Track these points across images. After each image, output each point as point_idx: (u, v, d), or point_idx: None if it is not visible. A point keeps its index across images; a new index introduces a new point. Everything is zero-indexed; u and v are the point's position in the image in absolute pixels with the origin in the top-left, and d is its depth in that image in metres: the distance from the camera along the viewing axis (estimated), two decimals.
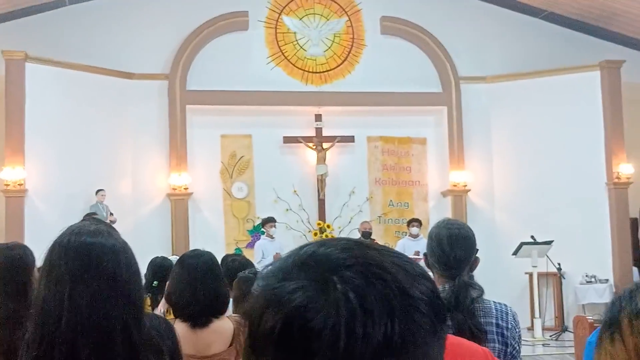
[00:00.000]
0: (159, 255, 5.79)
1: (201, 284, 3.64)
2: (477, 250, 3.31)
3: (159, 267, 5.56)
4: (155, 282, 5.42)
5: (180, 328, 3.70)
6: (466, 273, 3.20)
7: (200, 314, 3.65)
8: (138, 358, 1.89)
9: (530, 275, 13.68)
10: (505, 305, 3.25)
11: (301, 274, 0.88)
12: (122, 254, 1.94)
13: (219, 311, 3.72)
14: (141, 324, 1.94)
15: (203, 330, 3.69)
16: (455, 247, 3.16)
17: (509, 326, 3.14)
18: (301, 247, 0.94)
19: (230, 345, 3.76)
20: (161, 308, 4.94)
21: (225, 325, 3.77)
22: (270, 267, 0.94)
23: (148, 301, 5.38)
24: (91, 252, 1.90)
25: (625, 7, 14.83)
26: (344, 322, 0.83)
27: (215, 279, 3.73)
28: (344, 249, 0.91)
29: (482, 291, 3.17)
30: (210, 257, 3.81)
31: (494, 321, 3.12)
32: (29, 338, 1.90)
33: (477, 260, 3.30)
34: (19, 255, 3.49)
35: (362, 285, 0.85)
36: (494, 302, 3.21)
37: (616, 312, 1.23)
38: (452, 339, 2.47)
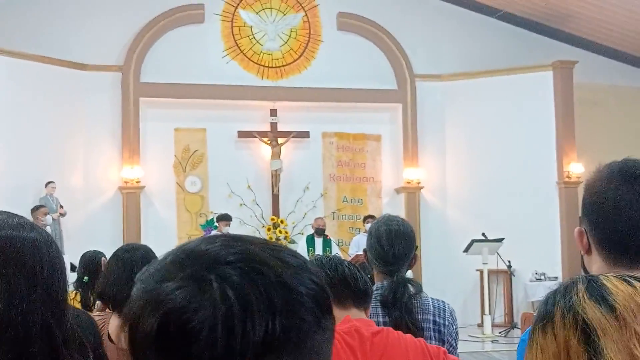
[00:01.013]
0: (90, 250, 5.65)
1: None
2: (417, 247, 3.31)
3: (89, 261, 5.42)
4: (85, 278, 5.30)
5: (117, 321, 3.66)
6: (404, 269, 3.20)
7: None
8: (59, 356, 1.84)
9: (481, 272, 13.79)
10: (444, 302, 3.27)
11: (179, 273, 0.85)
12: (44, 248, 1.88)
13: None
14: (63, 320, 1.89)
15: None
16: (394, 243, 3.16)
17: (446, 323, 3.16)
18: (182, 245, 0.92)
19: None
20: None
21: None
22: (149, 268, 0.91)
23: (78, 297, 5.28)
24: (12, 246, 1.84)
25: (579, 8, 15.05)
26: (221, 321, 0.80)
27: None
28: (224, 246, 0.88)
29: (420, 288, 3.18)
30: (146, 250, 3.75)
31: (431, 318, 3.14)
32: None
33: (415, 257, 3.29)
34: None
35: (241, 282, 0.83)
36: (432, 298, 3.22)
37: (551, 306, 1.27)
38: (391, 332, 2.48)
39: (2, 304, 1.80)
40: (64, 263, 1.97)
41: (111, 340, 3.70)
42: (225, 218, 13.31)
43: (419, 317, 3.09)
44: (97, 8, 14.37)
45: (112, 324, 3.68)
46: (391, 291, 3.06)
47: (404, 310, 3.03)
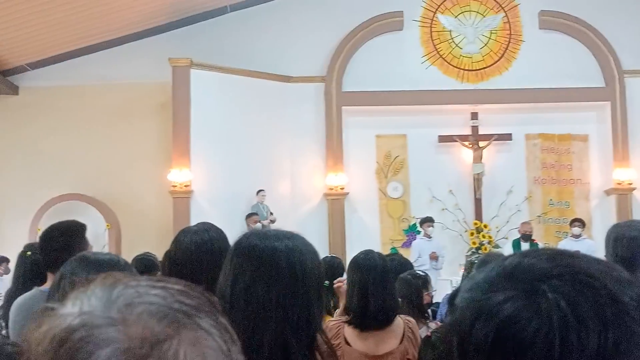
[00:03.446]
0: (329, 254, 5.85)
1: (372, 293, 3.71)
2: None
3: (328, 266, 5.62)
4: (326, 282, 5.48)
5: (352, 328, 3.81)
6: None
7: (368, 326, 3.73)
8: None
9: None
10: None
11: (508, 285, 0.89)
12: (301, 256, 2.02)
13: (388, 322, 3.76)
14: (318, 325, 2.02)
15: (375, 330, 3.76)
16: (633, 247, 3.04)
17: None
18: (504, 259, 0.95)
19: (401, 342, 3.80)
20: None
21: (395, 323, 3.82)
22: (473, 280, 0.95)
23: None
24: (277, 255, 1.99)
25: None
26: (557, 331, 0.83)
27: (386, 288, 3.77)
28: (548, 259, 0.91)
29: None
30: (382, 262, 3.84)
31: None
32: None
33: None
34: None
35: (573, 294, 0.85)
36: None
37: None
38: None
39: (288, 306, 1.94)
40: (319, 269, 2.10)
41: (348, 344, 3.85)
42: (428, 220, 13.32)
43: None
44: (301, 23, 14.90)
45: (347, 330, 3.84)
46: None
47: None
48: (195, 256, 2.87)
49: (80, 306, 0.77)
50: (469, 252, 13.77)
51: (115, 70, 14.45)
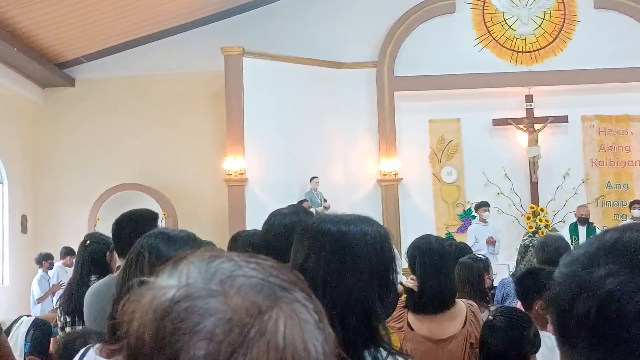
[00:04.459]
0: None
1: (430, 276, 3.70)
2: None
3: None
4: None
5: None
6: None
7: (425, 309, 3.72)
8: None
9: None
10: None
11: (610, 259, 0.88)
12: (377, 241, 2.03)
13: (447, 305, 3.75)
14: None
15: (437, 314, 3.75)
16: None
17: None
18: (604, 233, 0.94)
19: (463, 327, 3.79)
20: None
21: (458, 307, 3.81)
22: (571, 254, 0.94)
23: None
24: (350, 239, 1.99)
25: None
26: None
27: (444, 271, 3.76)
28: None
29: None
30: (439, 246, 3.83)
31: None
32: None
33: None
34: (258, 243, 3.71)
35: None
36: None
37: None
38: None
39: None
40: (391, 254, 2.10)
41: (410, 328, 3.85)
42: (483, 204, 13.17)
43: None
44: (351, 9, 14.86)
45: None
46: None
47: None
48: (285, 238, 2.92)
49: (179, 278, 0.80)
50: (526, 237, 13.61)
51: (169, 61, 14.62)
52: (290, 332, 0.77)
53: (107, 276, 3.61)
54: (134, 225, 3.46)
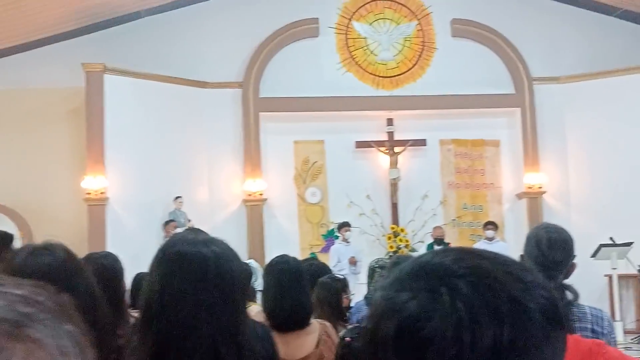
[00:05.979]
0: (247, 260, 5.88)
1: (287, 294, 3.74)
2: (575, 256, 3.26)
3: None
4: None
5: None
6: (561, 277, 3.18)
7: (284, 326, 3.75)
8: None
9: (610, 277, 13.37)
10: (600, 310, 3.19)
11: (414, 284, 0.92)
12: (228, 262, 2.02)
13: (303, 322, 3.79)
14: (245, 329, 2.02)
15: (291, 334, 3.78)
16: (553, 249, 3.13)
17: (605, 332, 3.09)
18: (419, 257, 0.98)
19: (316, 347, 3.83)
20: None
21: (311, 327, 3.85)
22: (389, 278, 0.98)
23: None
24: (206, 262, 1.99)
25: None
26: (452, 330, 0.86)
27: (300, 289, 3.81)
28: (456, 259, 0.94)
29: (577, 295, 3.13)
30: (296, 265, 3.88)
31: (589, 326, 3.08)
32: (140, 341, 1.99)
33: (573, 265, 3.23)
34: (111, 265, 3.60)
35: (470, 295, 0.88)
36: (588, 307, 3.16)
37: None
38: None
39: (203, 315, 1.95)
40: (245, 274, 2.11)
41: None
42: (345, 225, 13.40)
43: (577, 325, 3.04)
44: (216, 28, 14.85)
45: None
46: None
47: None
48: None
49: None
50: (387, 256, 13.95)
51: (27, 76, 14.09)
52: None
53: None
54: None
